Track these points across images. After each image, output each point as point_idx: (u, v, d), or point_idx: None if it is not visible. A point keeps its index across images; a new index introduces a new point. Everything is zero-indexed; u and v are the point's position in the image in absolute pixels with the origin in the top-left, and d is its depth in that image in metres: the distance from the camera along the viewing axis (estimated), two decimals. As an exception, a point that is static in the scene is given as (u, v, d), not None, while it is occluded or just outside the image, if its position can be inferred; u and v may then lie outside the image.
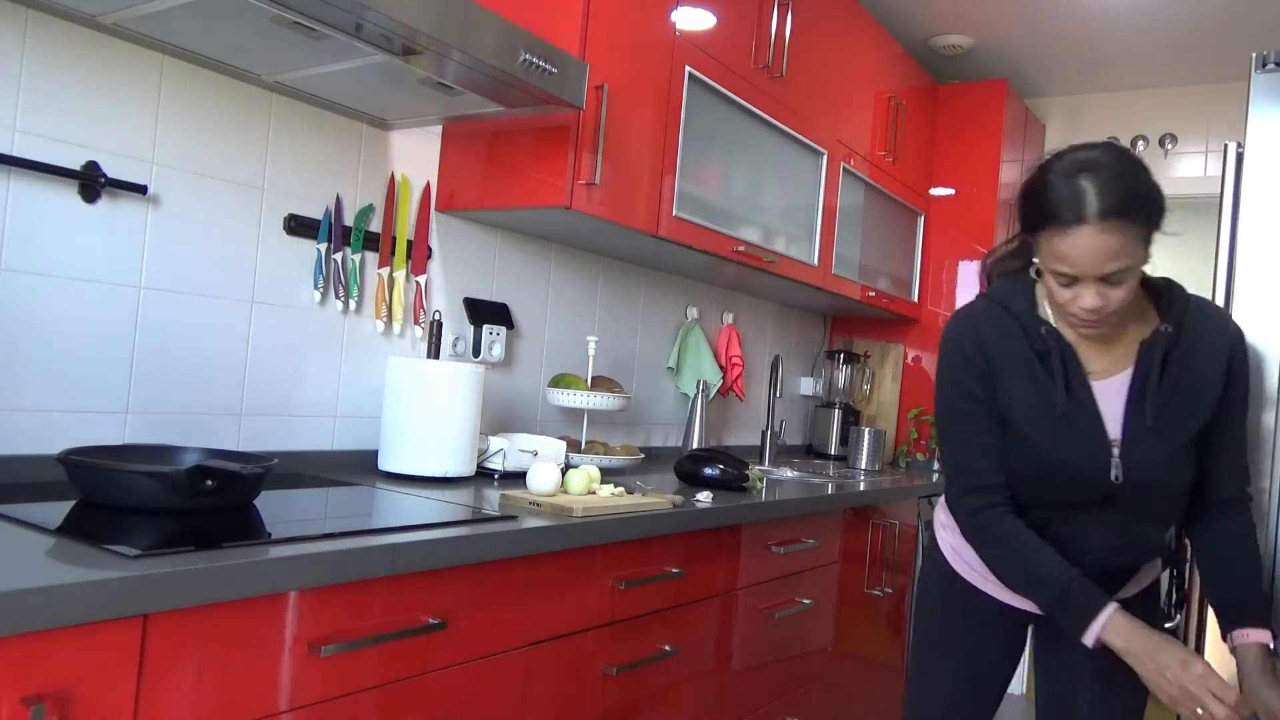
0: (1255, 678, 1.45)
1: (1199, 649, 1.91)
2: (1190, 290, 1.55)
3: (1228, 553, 1.54)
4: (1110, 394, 1.50)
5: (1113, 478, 1.47)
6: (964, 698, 1.72)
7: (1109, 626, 1.41)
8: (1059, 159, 1.43)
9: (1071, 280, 1.41)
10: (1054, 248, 1.39)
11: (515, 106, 1.91)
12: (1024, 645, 1.76)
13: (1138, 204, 1.36)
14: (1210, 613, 1.88)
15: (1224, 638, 1.53)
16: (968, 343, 1.55)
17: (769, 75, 2.74)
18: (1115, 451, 1.48)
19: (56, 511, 1.31)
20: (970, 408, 1.54)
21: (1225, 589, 1.54)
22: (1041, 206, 1.41)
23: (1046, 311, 1.54)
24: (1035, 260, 1.48)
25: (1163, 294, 1.53)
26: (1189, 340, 1.48)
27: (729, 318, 3.41)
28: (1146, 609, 1.62)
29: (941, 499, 1.72)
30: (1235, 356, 1.48)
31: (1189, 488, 1.50)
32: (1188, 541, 1.66)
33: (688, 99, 2.42)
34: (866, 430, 3.53)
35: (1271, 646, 1.46)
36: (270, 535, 1.32)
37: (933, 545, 1.81)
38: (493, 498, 1.85)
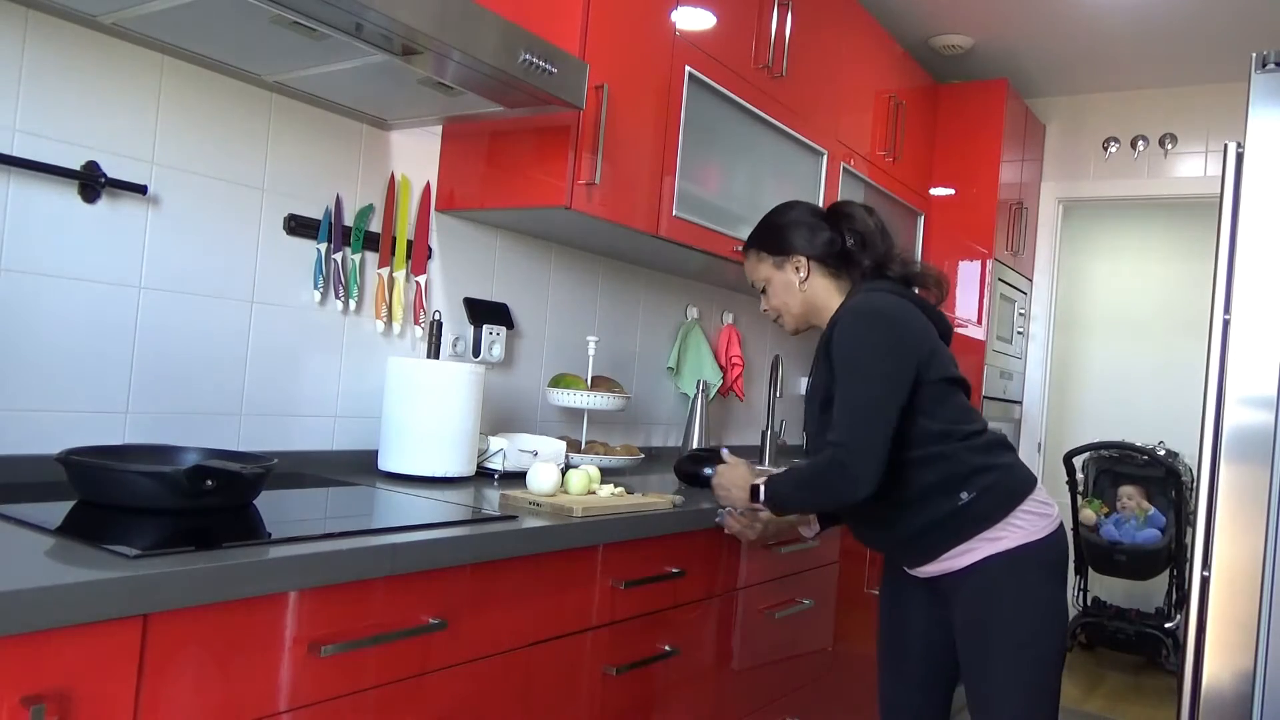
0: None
1: (1199, 648, 1.91)
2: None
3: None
4: None
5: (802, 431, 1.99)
6: (884, 654, 1.97)
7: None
8: None
9: None
10: None
11: (515, 106, 1.91)
12: (935, 604, 1.84)
13: (753, 239, 1.93)
14: (1211, 613, 1.88)
15: None
16: None
17: (769, 75, 2.74)
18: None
19: (56, 511, 1.31)
20: None
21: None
22: None
23: None
24: None
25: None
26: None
27: (729, 318, 3.41)
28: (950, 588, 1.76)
29: None
30: (829, 339, 1.75)
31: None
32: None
33: (688, 99, 2.42)
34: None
35: (762, 497, 1.81)
36: (270, 535, 1.33)
37: None
38: (493, 498, 1.85)
